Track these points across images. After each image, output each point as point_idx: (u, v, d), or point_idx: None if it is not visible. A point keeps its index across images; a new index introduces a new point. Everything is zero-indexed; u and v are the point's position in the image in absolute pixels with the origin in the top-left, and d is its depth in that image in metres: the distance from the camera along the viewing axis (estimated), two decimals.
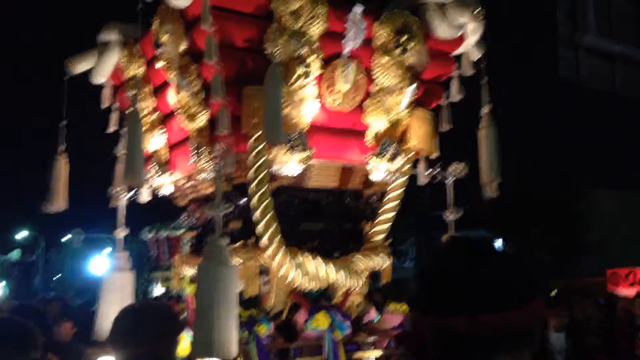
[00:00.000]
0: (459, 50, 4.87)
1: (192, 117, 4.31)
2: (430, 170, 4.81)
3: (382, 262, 4.61)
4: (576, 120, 18.98)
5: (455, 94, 4.87)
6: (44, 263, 35.58)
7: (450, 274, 1.31)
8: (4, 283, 36.90)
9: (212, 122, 4.10)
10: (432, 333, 1.30)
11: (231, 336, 3.24)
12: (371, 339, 4.46)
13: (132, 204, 5.18)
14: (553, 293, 8.58)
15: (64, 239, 34.94)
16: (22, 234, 36.51)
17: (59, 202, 5.11)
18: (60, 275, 37.45)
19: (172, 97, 4.55)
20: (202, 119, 4.26)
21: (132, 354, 2.19)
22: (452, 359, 1.30)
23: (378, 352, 4.41)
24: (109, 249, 27.18)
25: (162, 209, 6.92)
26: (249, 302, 4.04)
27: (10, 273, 40.54)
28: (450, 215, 4.53)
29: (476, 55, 4.92)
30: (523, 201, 17.24)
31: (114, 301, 4.61)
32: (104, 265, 22.64)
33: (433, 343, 1.31)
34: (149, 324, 2.26)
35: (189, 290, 4.75)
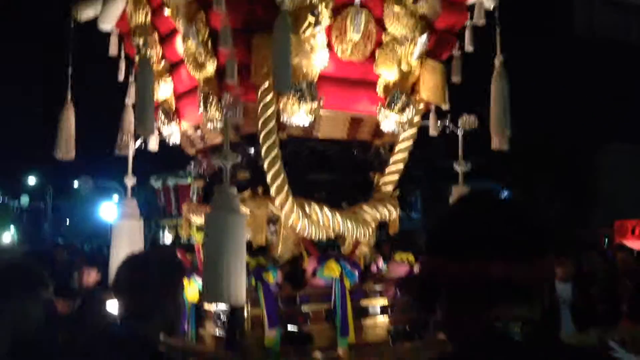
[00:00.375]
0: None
1: (200, 66, 4.27)
2: (440, 122, 4.78)
3: (389, 213, 4.63)
4: (590, 73, 18.73)
5: (468, 44, 4.79)
6: (52, 210, 35.94)
7: (481, 221, 1.33)
8: (13, 229, 37.40)
9: (221, 71, 4.06)
10: (450, 278, 1.31)
11: (240, 283, 3.29)
12: (378, 287, 4.52)
13: (141, 151, 5.19)
14: None
15: (72, 186, 35.18)
16: (30, 180, 36.76)
17: (68, 151, 5.12)
18: (69, 221, 37.92)
19: (180, 46, 4.50)
20: (210, 68, 4.22)
21: (134, 303, 2.21)
22: (464, 304, 1.31)
23: (384, 301, 4.47)
24: (117, 197, 27.40)
25: (171, 158, 6.94)
26: (257, 251, 4.08)
27: (19, 219, 41.03)
28: (461, 167, 4.52)
29: (490, 4, 4.82)
30: (533, 153, 17.19)
31: (125, 248, 4.68)
32: (113, 212, 22.88)
33: (449, 288, 1.33)
34: (150, 273, 2.26)
35: (198, 238, 4.80)
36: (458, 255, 1.30)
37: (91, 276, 4.78)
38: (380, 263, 4.72)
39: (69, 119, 5.14)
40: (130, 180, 4.98)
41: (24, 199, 39.42)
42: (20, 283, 2.51)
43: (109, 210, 26.70)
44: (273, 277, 4.01)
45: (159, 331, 2.32)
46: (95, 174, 29.98)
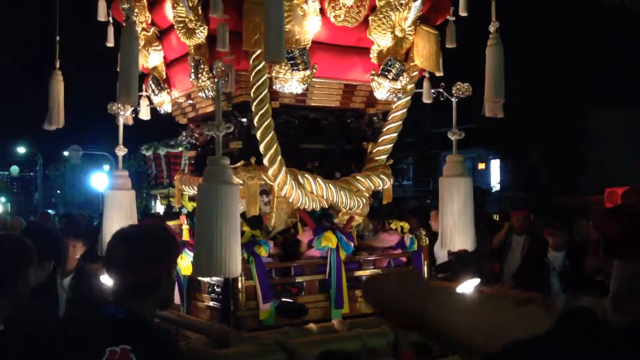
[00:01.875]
0: None
1: (190, 33, 4.17)
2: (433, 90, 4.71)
3: (383, 182, 4.60)
4: (583, 38, 18.63)
5: (462, 10, 4.69)
6: (42, 179, 35.76)
7: None
8: (3, 199, 37.23)
9: (212, 38, 3.97)
10: None
11: (234, 255, 3.24)
12: (371, 258, 4.51)
13: (133, 120, 5.11)
14: None
15: (62, 155, 35.00)
16: (19, 150, 36.52)
17: (57, 119, 5.04)
18: (60, 191, 37.77)
19: (170, 12, 4.39)
20: (201, 35, 4.13)
21: (129, 281, 2.14)
22: None
23: (378, 271, 4.46)
24: (108, 166, 27.27)
25: (163, 126, 6.85)
26: (250, 222, 4.04)
27: (9, 189, 40.83)
28: (454, 135, 4.47)
29: None
30: (524, 118, 17.17)
31: (117, 219, 4.63)
32: (104, 182, 22.78)
33: None
34: (143, 249, 2.17)
35: (189, 208, 4.76)
36: None
37: (77, 248, 4.72)
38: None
39: (58, 88, 5.04)
40: (121, 150, 4.90)
41: (14, 169, 39.19)
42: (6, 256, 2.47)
43: (100, 179, 26.57)
44: (265, 251, 3.98)
45: (155, 309, 2.27)
46: (85, 143, 29.80)
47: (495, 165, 29.51)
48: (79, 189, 34.07)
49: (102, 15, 5.14)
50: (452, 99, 4.44)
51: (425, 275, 4.62)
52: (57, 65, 5.08)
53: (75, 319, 2.15)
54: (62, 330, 2.11)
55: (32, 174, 40.47)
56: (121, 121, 4.84)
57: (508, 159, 22.21)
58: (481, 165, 31.05)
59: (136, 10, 4.59)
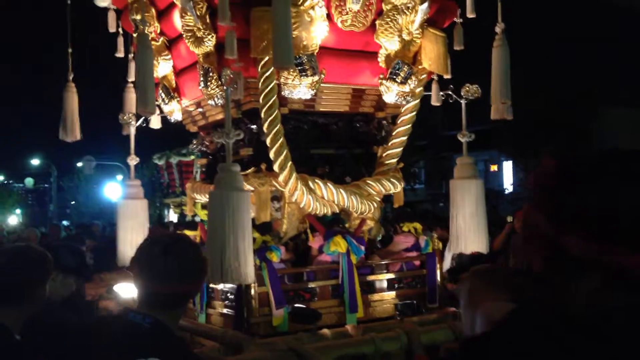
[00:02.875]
0: None
1: (199, 42, 4.20)
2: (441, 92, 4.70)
3: (393, 186, 4.59)
4: (591, 38, 18.53)
5: (470, 12, 4.69)
6: (57, 190, 36.03)
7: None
8: (19, 211, 37.53)
9: (220, 46, 3.99)
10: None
11: (246, 261, 3.25)
12: (384, 262, 4.50)
13: (144, 130, 5.14)
14: None
15: (76, 167, 35.28)
16: (33, 162, 36.86)
17: (72, 131, 5.09)
18: (74, 202, 38.05)
19: (178, 21, 4.43)
20: (209, 43, 4.15)
21: (162, 291, 2.08)
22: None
23: (390, 275, 4.45)
24: (121, 176, 27.42)
25: (175, 135, 6.88)
26: (260, 228, 4.04)
27: (24, 201, 41.17)
28: (464, 137, 4.46)
29: None
30: (534, 120, 17.09)
31: (131, 228, 4.68)
32: (117, 192, 22.90)
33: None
34: (188, 261, 2.09)
35: (202, 216, 4.78)
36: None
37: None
38: None
39: (72, 99, 5.09)
40: (133, 160, 4.94)
41: (29, 181, 39.52)
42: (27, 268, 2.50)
43: (114, 189, 26.72)
44: (277, 257, 3.99)
45: (178, 320, 2.23)
46: (98, 153, 29.98)
47: (508, 166, 29.37)
48: (92, 200, 34.29)
49: (112, 26, 5.20)
50: (462, 101, 4.44)
51: (439, 279, 4.60)
52: (71, 77, 5.13)
53: (102, 325, 2.12)
54: (90, 338, 2.09)
55: (46, 185, 40.79)
56: (132, 131, 4.88)
57: (520, 160, 22.10)
58: (494, 167, 30.91)
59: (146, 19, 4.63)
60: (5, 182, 42.25)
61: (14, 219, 32.68)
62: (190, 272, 2.13)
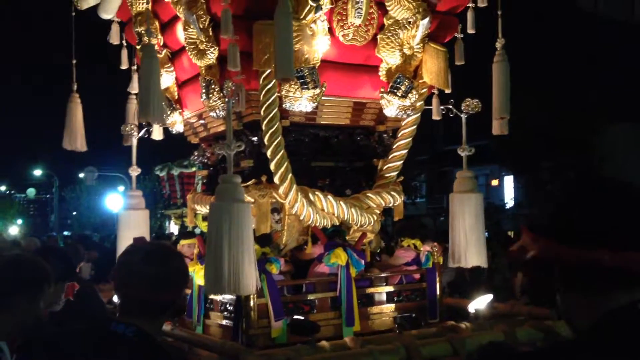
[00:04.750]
0: None
1: (201, 54, 4.24)
2: (442, 107, 4.73)
3: (393, 199, 4.61)
4: (592, 52, 18.58)
5: (470, 27, 4.73)
6: (58, 201, 36.07)
7: (599, 210, 1.34)
8: (20, 221, 37.53)
9: (222, 59, 4.03)
10: (567, 263, 1.34)
11: (246, 272, 3.24)
12: (383, 275, 4.51)
13: (146, 141, 5.17)
14: None
15: (77, 177, 35.36)
16: (36, 173, 36.95)
17: (78, 142, 5.11)
18: (75, 212, 38.08)
19: (181, 33, 4.47)
20: (211, 56, 4.19)
21: (145, 299, 2.06)
22: (581, 288, 1.35)
23: (390, 288, 4.45)
24: (123, 187, 27.45)
25: (176, 147, 6.91)
26: (259, 240, 4.05)
27: (26, 211, 41.18)
28: (464, 152, 4.48)
29: None
30: (536, 135, 17.10)
31: (131, 238, 4.66)
32: (119, 203, 22.93)
33: (564, 272, 1.37)
34: (170, 269, 2.10)
35: (203, 227, 4.79)
36: (587, 244, 1.31)
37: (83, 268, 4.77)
38: None
39: (76, 110, 5.12)
40: (134, 171, 4.96)
41: (30, 191, 39.58)
42: (22, 276, 2.51)
43: (115, 200, 26.73)
44: (276, 268, 3.99)
45: (161, 328, 2.23)
46: (100, 164, 30.02)
47: (509, 181, 29.34)
48: (94, 211, 34.34)
49: (115, 39, 5.23)
50: (462, 115, 4.47)
51: (439, 293, 4.60)
52: (75, 88, 5.16)
53: (84, 335, 2.10)
54: (72, 348, 2.07)
55: (48, 196, 40.88)
56: (134, 142, 4.90)
57: (521, 175, 22.10)
58: (494, 182, 30.90)
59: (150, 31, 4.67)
60: (7, 192, 42.34)
61: (15, 229, 32.68)
62: (170, 280, 2.12)
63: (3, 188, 41.68)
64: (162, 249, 2.24)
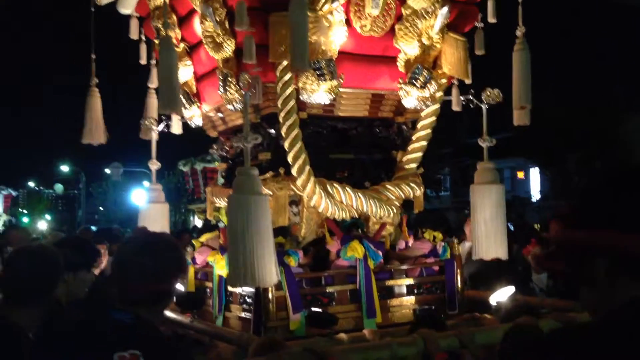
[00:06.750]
0: None
1: (218, 47, 4.24)
2: (462, 97, 4.67)
3: (413, 191, 4.57)
4: (618, 42, 18.26)
5: (491, 16, 4.65)
6: (85, 196, 36.57)
7: None
8: (49, 216, 38.15)
9: (239, 52, 4.02)
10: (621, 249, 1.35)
11: (265, 265, 3.23)
12: (403, 267, 4.47)
13: (170, 136, 5.19)
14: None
15: (104, 173, 35.83)
16: (63, 169, 37.52)
17: (97, 135, 5.15)
18: (102, 208, 38.58)
19: (198, 27, 4.47)
20: (228, 49, 4.19)
21: (144, 288, 2.10)
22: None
23: (410, 280, 4.42)
24: (147, 182, 27.73)
25: (200, 142, 6.93)
26: (279, 233, 4.04)
27: (54, 206, 41.84)
28: (485, 142, 4.42)
29: None
30: (561, 127, 16.89)
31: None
32: (144, 197, 23.15)
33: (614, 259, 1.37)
34: (168, 259, 2.16)
35: (225, 220, 4.80)
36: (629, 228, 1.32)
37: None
38: (403, 243, 4.67)
39: (95, 103, 5.16)
40: (154, 165, 4.98)
41: (58, 187, 40.17)
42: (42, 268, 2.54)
43: (141, 195, 27.01)
44: (295, 261, 3.98)
45: (161, 316, 2.27)
46: (125, 160, 30.38)
47: (535, 173, 29.02)
48: (120, 205, 34.75)
49: (134, 34, 5.26)
50: (483, 106, 4.40)
51: (459, 285, 4.55)
52: (94, 82, 5.20)
53: (83, 322, 2.14)
54: (70, 334, 2.10)
55: (75, 191, 41.44)
56: (154, 136, 4.93)
57: (547, 167, 21.84)
58: (520, 174, 30.59)
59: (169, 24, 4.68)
60: (36, 188, 43.02)
61: (43, 224, 33.21)
62: (166, 270, 2.17)
63: (32, 184, 42.38)
64: (158, 240, 2.28)
